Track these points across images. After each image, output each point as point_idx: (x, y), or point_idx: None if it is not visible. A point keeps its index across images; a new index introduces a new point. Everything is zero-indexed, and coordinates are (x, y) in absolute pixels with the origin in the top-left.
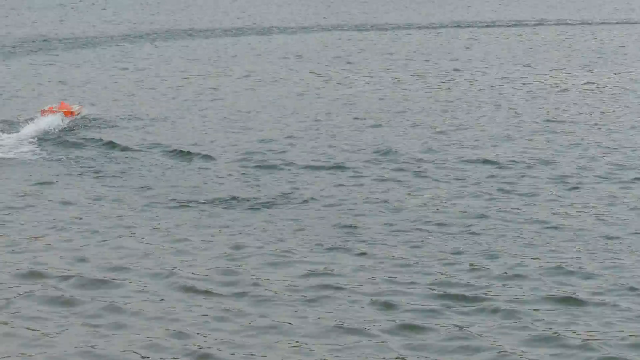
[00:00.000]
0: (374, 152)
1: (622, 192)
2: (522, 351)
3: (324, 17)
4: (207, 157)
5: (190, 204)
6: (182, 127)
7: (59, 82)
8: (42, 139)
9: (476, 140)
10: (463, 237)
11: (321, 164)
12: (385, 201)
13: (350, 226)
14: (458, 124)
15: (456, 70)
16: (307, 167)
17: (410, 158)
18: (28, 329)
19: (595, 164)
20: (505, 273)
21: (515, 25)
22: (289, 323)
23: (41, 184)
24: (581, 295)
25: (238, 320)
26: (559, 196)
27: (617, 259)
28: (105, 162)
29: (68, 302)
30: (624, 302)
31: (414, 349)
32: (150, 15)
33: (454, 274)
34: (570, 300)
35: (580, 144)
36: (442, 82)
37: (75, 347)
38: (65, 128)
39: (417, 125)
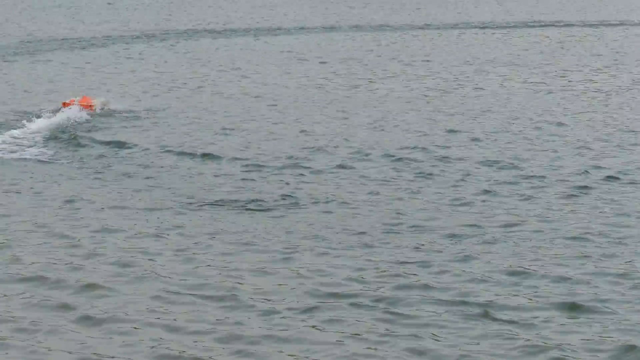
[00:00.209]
0: (378, 153)
1: (627, 195)
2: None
3: (326, 16)
4: (213, 158)
5: (195, 206)
6: (193, 127)
7: (83, 78)
8: (52, 134)
9: (484, 141)
10: (470, 241)
11: (325, 166)
12: (390, 203)
13: (354, 230)
14: (464, 125)
15: (463, 71)
16: (312, 167)
17: (415, 159)
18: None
19: (601, 166)
20: (507, 276)
21: (521, 26)
22: (292, 328)
23: (41, 182)
24: (580, 302)
25: (239, 326)
26: (563, 198)
27: (620, 264)
28: (111, 161)
29: (62, 307)
30: (621, 310)
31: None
32: (169, 16)
33: (457, 281)
34: (569, 307)
35: (585, 146)
36: (448, 83)
37: (70, 352)
38: (79, 122)
39: (422, 126)
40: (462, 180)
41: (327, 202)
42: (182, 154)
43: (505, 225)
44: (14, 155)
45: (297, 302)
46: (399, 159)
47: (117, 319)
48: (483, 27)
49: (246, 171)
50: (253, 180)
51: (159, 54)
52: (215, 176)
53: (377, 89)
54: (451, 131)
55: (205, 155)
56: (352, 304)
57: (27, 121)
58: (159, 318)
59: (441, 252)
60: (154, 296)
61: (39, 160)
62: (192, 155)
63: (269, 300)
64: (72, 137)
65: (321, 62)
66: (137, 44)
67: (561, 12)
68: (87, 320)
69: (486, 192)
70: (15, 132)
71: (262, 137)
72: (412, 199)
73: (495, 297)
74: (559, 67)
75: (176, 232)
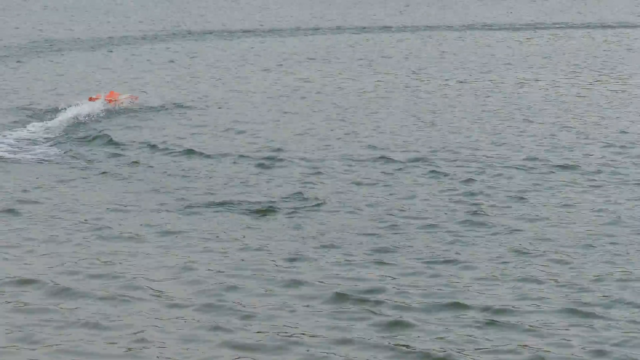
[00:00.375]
0: (382, 153)
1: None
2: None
3: (330, 18)
4: (221, 158)
5: (195, 207)
6: (210, 125)
7: (114, 74)
8: (65, 131)
9: (488, 142)
10: (481, 242)
11: (335, 166)
12: (393, 204)
13: (358, 232)
14: (471, 126)
15: (469, 73)
16: (318, 168)
17: (421, 160)
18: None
19: (605, 167)
20: (510, 278)
21: (526, 28)
22: (298, 329)
23: (46, 183)
24: (583, 305)
25: (246, 327)
26: (567, 198)
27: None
28: (116, 160)
29: (58, 309)
30: (625, 313)
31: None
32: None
33: (463, 281)
34: (569, 310)
35: (590, 149)
36: (454, 84)
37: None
38: (96, 119)
39: (428, 126)
40: (467, 181)
41: (332, 203)
42: (191, 152)
43: (514, 228)
44: (24, 154)
45: (298, 303)
46: (403, 160)
47: (120, 320)
48: (486, 28)
49: (257, 172)
50: (260, 180)
51: (190, 52)
52: (223, 177)
53: (383, 90)
54: (458, 132)
55: (214, 155)
56: (352, 305)
57: (45, 117)
58: (161, 318)
59: (445, 253)
60: (161, 296)
61: (48, 159)
62: (200, 154)
63: (270, 301)
64: (87, 135)
65: (327, 63)
66: (166, 42)
67: (574, 14)
68: (88, 320)
69: (490, 192)
70: (30, 128)
71: (282, 138)
72: (415, 200)
73: (500, 301)
74: (568, 69)
75: (178, 233)
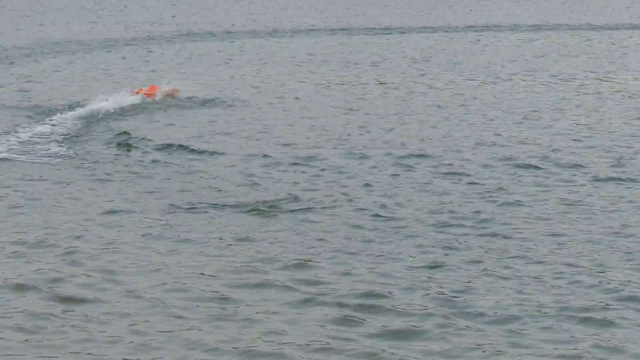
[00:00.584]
0: (386, 153)
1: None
2: None
3: (338, 19)
4: (228, 158)
5: (203, 207)
6: (225, 124)
7: (161, 70)
8: (89, 127)
9: (490, 143)
10: (475, 244)
11: (341, 167)
12: (395, 205)
13: (362, 233)
14: (477, 127)
15: (473, 73)
16: (323, 170)
17: (424, 161)
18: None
19: (608, 168)
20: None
21: (532, 29)
22: (296, 334)
23: (50, 182)
24: (587, 309)
25: (245, 329)
26: (568, 200)
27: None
28: (127, 158)
29: (66, 307)
30: (631, 315)
31: None
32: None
33: (469, 284)
34: (568, 313)
35: (588, 147)
36: (459, 85)
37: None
38: (127, 113)
39: (436, 127)
40: (470, 183)
41: (337, 205)
42: (200, 152)
43: (521, 230)
44: (43, 148)
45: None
46: (406, 161)
47: (123, 320)
48: (490, 29)
49: (262, 173)
50: (265, 180)
51: (232, 50)
52: (228, 176)
53: (386, 91)
54: (463, 133)
55: (222, 155)
56: (352, 311)
57: (77, 111)
58: (161, 319)
59: (447, 255)
60: (164, 300)
61: (57, 157)
62: (209, 154)
63: (270, 303)
64: (103, 134)
65: (336, 64)
66: (205, 41)
67: (579, 15)
68: (91, 320)
69: (493, 194)
70: (49, 124)
71: (292, 140)
72: (418, 201)
73: (501, 303)
74: (572, 69)
75: (183, 234)
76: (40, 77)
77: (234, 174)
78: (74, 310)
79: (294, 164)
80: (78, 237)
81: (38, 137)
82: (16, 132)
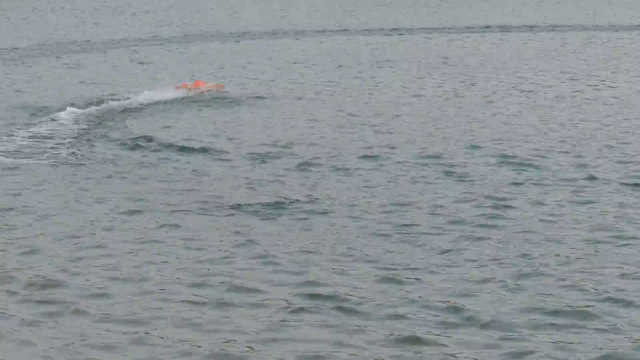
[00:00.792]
0: (389, 156)
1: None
2: None
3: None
4: (236, 158)
5: (207, 208)
6: (241, 124)
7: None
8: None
9: (490, 146)
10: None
11: (346, 168)
12: (393, 207)
13: (368, 237)
14: (479, 128)
15: (475, 75)
16: (328, 171)
17: (427, 163)
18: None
19: (606, 169)
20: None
21: (531, 29)
22: (298, 337)
23: (57, 182)
24: (580, 307)
25: (251, 332)
26: (564, 202)
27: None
28: (141, 161)
29: (69, 308)
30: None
31: None
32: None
33: (467, 287)
34: (562, 313)
35: (586, 150)
36: (462, 87)
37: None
38: (156, 109)
39: (432, 128)
40: (471, 184)
41: (341, 207)
42: (210, 153)
43: (519, 232)
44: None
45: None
46: (406, 163)
47: (128, 319)
48: (490, 30)
49: (266, 173)
50: (269, 181)
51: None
52: (234, 177)
53: (387, 92)
54: (466, 135)
55: (230, 155)
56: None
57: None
58: (163, 318)
59: (445, 256)
60: (169, 299)
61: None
62: (218, 154)
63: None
64: (121, 133)
65: (341, 65)
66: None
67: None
68: (98, 320)
69: (497, 196)
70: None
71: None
72: (418, 204)
73: (497, 305)
74: (573, 69)
75: (188, 236)
76: (91, 72)
77: (237, 175)
78: (69, 311)
79: (297, 165)
80: (78, 238)
81: (54, 135)
82: (25, 130)
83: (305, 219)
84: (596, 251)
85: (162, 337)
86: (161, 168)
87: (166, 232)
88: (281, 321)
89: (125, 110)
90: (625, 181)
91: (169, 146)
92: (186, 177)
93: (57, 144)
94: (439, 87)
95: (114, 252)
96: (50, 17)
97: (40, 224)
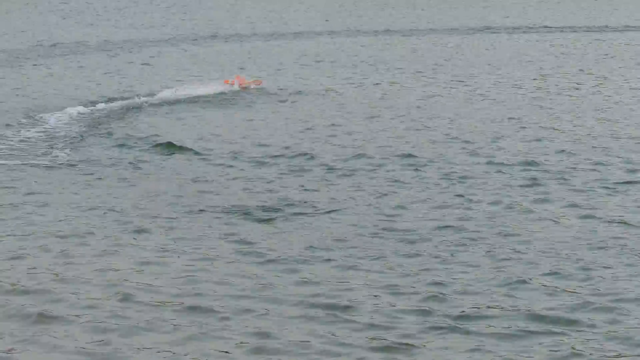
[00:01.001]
0: (384, 158)
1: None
2: None
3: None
4: (230, 160)
5: (202, 211)
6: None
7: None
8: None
9: (487, 148)
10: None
11: (340, 170)
12: (389, 208)
13: (374, 235)
14: (475, 130)
15: (475, 75)
16: (324, 173)
17: (421, 164)
18: None
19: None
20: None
21: (542, 31)
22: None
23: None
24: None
25: (242, 338)
26: (561, 204)
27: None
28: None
29: (69, 313)
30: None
31: None
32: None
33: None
34: (551, 319)
35: (585, 155)
36: (461, 88)
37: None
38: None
39: (423, 130)
40: (467, 186)
41: (334, 209)
42: (207, 154)
43: (513, 235)
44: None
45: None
46: (407, 165)
47: (127, 324)
48: (487, 31)
49: (259, 176)
50: (262, 184)
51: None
52: (228, 179)
53: (385, 92)
54: (463, 137)
55: (227, 158)
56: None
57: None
58: (156, 324)
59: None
60: (163, 306)
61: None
62: (213, 155)
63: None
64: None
65: (341, 67)
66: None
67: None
68: (91, 325)
69: (495, 197)
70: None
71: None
72: (412, 205)
73: (486, 310)
74: (568, 71)
75: (175, 238)
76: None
77: (231, 177)
78: (59, 314)
79: (292, 167)
80: (70, 239)
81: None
82: (23, 130)
83: (300, 221)
84: (590, 253)
85: (153, 343)
86: (154, 169)
87: (156, 235)
88: (272, 325)
89: (126, 111)
90: (619, 181)
91: (162, 147)
92: (179, 179)
93: (50, 146)
94: (435, 88)
95: (101, 257)
96: (57, 18)
97: (27, 227)
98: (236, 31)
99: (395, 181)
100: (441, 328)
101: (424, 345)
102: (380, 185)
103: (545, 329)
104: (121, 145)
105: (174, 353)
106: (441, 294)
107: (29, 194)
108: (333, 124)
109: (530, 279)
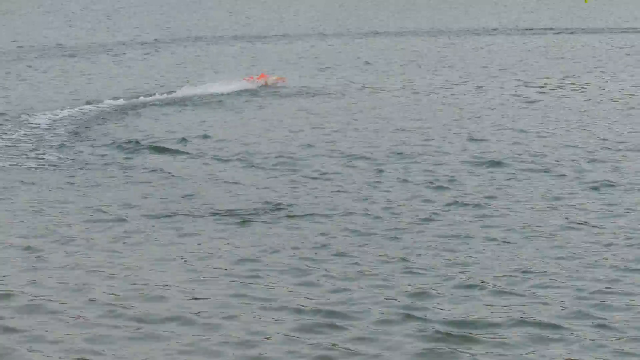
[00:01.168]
0: (370, 159)
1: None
2: None
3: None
4: (217, 162)
5: (187, 214)
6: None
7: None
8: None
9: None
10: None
11: (329, 172)
12: (383, 209)
13: (369, 235)
14: (465, 133)
15: (474, 77)
16: (316, 175)
17: (409, 164)
18: None
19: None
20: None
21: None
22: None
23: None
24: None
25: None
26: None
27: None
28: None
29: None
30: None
31: None
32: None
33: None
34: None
35: (567, 151)
36: (455, 89)
37: None
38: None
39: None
40: (460, 186)
41: (325, 212)
42: (197, 156)
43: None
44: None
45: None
46: (397, 167)
47: (93, 330)
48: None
49: (243, 178)
50: (253, 187)
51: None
52: (212, 181)
53: (380, 93)
54: (451, 138)
55: (218, 159)
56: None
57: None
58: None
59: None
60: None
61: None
62: (203, 157)
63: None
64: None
65: (342, 68)
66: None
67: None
68: (59, 330)
69: (485, 201)
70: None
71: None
72: (405, 207)
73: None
74: (562, 72)
75: (151, 241)
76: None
77: (219, 179)
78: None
79: (283, 169)
80: (55, 242)
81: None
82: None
83: (290, 223)
84: (580, 255)
85: (139, 350)
86: (141, 171)
87: (140, 238)
88: (260, 329)
89: (127, 111)
90: (611, 183)
91: (149, 149)
92: (167, 181)
93: (34, 148)
94: (429, 89)
95: (81, 260)
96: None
97: (10, 229)
98: (244, 32)
99: (383, 184)
100: (425, 336)
101: (406, 354)
102: (364, 188)
103: (533, 336)
104: (108, 147)
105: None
106: (425, 299)
107: (14, 195)
108: (320, 127)
109: (516, 285)
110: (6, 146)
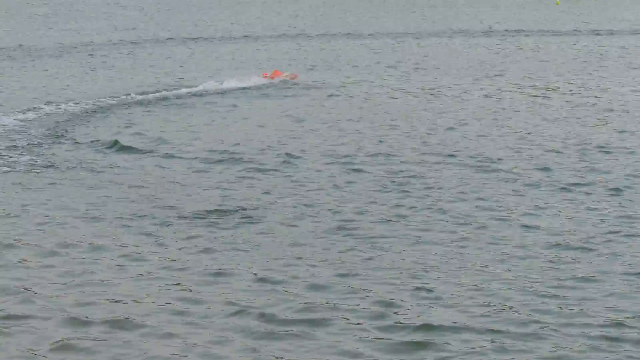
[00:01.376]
0: (382, 158)
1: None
2: None
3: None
4: (198, 162)
5: (168, 215)
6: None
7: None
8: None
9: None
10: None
11: (307, 172)
12: (397, 211)
13: (358, 236)
14: (454, 133)
15: (474, 79)
16: (292, 174)
17: (397, 164)
18: None
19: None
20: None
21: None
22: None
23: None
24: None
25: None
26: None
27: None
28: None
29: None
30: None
31: None
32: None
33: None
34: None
35: (565, 156)
36: (437, 91)
37: None
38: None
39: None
40: (441, 189)
41: (297, 212)
42: (178, 156)
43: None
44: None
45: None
46: (372, 166)
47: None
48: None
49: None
50: (237, 187)
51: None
52: (200, 182)
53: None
54: (439, 140)
55: (197, 159)
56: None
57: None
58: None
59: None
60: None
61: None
62: (182, 158)
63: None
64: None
65: (339, 68)
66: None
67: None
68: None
69: (465, 202)
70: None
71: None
72: (382, 209)
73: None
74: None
75: (141, 243)
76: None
77: (201, 180)
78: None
79: (257, 169)
80: (31, 247)
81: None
82: None
83: (259, 226)
84: (574, 258)
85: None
86: (114, 173)
87: (111, 240)
88: (227, 332)
89: (126, 111)
90: (604, 185)
91: (131, 150)
92: (144, 182)
93: (13, 147)
94: (418, 90)
95: (58, 264)
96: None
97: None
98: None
99: (360, 185)
100: (406, 342)
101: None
102: (337, 189)
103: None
104: (80, 148)
105: None
106: (405, 304)
107: None
108: (298, 127)
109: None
110: None
